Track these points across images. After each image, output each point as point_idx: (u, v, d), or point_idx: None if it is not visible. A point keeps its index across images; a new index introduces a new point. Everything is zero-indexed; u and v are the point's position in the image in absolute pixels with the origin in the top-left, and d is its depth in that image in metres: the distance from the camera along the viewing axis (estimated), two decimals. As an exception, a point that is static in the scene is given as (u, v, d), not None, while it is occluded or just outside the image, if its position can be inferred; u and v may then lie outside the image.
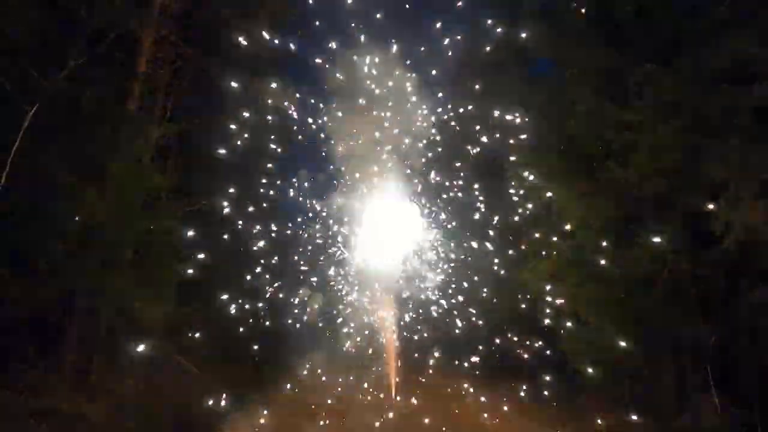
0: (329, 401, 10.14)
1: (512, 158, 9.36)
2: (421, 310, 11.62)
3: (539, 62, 10.06)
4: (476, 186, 11.38)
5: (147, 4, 8.32)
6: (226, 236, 10.19)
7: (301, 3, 10.81)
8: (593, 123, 7.55)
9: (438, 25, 10.46)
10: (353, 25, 10.45)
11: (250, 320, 10.79)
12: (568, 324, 8.69)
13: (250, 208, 10.92)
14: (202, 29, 9.95)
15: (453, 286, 11.45)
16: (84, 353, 7.77)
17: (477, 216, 11.27)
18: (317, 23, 10.75)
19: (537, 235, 9.14)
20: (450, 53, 10.75)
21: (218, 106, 10.23)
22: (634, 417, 7.51)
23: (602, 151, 7.45)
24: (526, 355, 10.11)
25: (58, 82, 6.34)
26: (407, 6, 10.54)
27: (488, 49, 10.49)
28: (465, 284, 11.26)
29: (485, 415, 9.41)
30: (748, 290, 6.71)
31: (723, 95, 6.49)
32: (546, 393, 9.60)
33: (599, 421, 7.94)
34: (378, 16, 10.26)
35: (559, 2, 8.51)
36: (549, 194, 8.57)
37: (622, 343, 7.27)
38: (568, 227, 8.34)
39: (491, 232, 11.11)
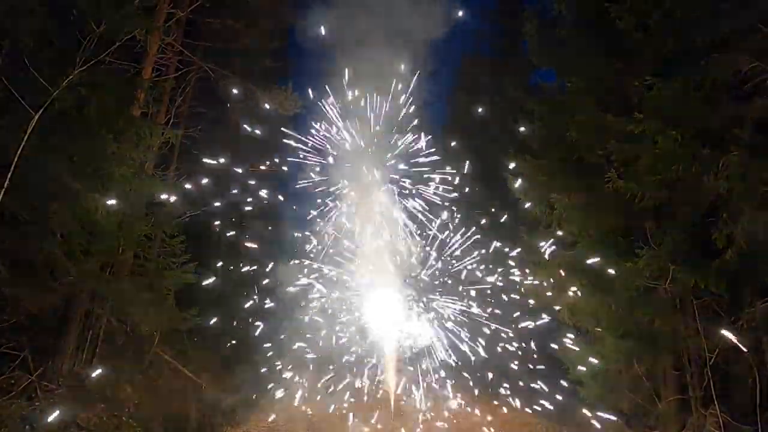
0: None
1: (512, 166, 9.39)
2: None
3: (540, 72, 10.13)
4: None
5: (153, 11, 8.44)
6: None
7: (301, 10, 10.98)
8: (594, 133, 7.56)
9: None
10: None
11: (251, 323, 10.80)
12: (568, 334, 8.64)
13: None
14: (207, 37, 10.08)
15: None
16: (82, 358, 7.77)
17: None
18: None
19: (537, 244, 9.13)
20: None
21: (221, 114, 10.32)
22: (636, 431, 7.42)
23: (603, 162, 7.46)
24: (524, 366, 10.03)
25: (63, 88, 6.40)
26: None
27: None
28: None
29: (480, 427, 9.30)
30: (750, 302, 6.65)
31: (724, 107, 6.49)
32: (544, 405, 9.50)
33: None
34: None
35: (561, 12, 8.58)
36: (549, 203, 8.56)
37: (623, 356, 7.20)
38: (568, 237, 8.33)
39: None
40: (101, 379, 7.53)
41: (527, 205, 9.24)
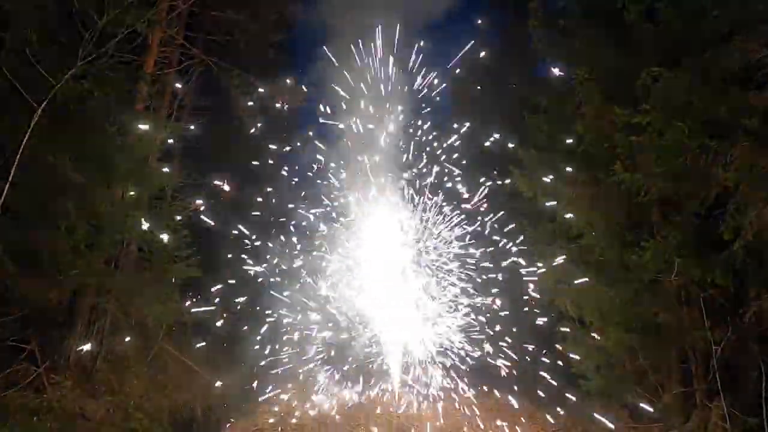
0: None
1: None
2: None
3: (545, 63, 9.99)
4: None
5: (155, 4, 8.39)
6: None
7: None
8: (600, 125, 7.48)
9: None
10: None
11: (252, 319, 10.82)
12: (572, 328, 8.62)
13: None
14: (209, 29, 10.03)
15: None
16: (88, 351, 7.82)
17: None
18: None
19: (542, 237, 9.09)
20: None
21: (224, 107, 10.30)
22: (640, 424, 7.41)
23: (609, 153, 7.38)
24: (528, 360, 10.03)
25: (65, 82, 6.39)
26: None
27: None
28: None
29: (483, 421, 9.30)
30: (756, 295, 6.60)
31: (732, 98, 6.40)
32: (549, 399, 9.49)
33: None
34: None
35: (567, 2, 8.47)
36: (554, 196, 8.51)
37: (628, 348, 7.18)
38: (573, 230, 8.28)
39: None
40: (106, 371, 7.58)
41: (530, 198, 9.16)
